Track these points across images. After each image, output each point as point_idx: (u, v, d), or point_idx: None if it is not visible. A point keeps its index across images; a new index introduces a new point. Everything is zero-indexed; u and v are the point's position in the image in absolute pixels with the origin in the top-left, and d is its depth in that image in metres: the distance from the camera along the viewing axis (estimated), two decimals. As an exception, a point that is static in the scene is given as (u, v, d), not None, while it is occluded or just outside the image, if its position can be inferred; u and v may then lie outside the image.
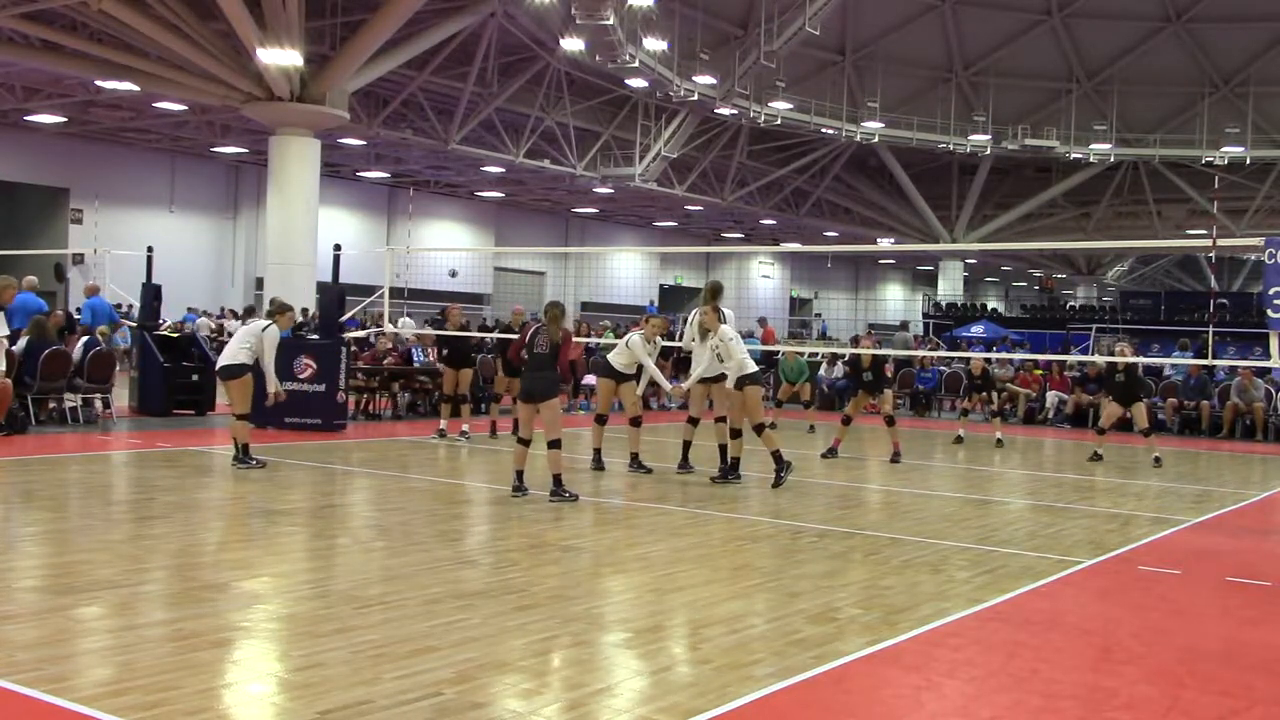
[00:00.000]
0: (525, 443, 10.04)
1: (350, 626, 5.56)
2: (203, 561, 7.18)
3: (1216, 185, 44.20)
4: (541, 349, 9.86)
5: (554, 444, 9.79)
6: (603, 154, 39.36)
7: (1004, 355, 22.31)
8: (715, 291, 11.81)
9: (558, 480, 9.77)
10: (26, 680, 4.57)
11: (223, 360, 11.39)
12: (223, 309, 35.24)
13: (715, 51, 36.69)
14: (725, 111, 37.70)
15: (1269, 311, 9.77)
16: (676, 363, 20.38)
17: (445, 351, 15.68)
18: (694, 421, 12.09)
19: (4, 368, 12.81)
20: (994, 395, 18.37)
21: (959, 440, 17.22)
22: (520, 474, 9.95)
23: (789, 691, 4.86)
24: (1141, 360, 16.86)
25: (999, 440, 16.92)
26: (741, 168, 44.33)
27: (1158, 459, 14.79)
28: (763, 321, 28.75)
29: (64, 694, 4.44)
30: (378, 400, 18.09)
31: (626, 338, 12.44)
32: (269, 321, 11.53)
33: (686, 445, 12.19)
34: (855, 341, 16.43)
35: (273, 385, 11.44)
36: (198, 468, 11.62)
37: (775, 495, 10.72)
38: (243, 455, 11.15)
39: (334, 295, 16.61)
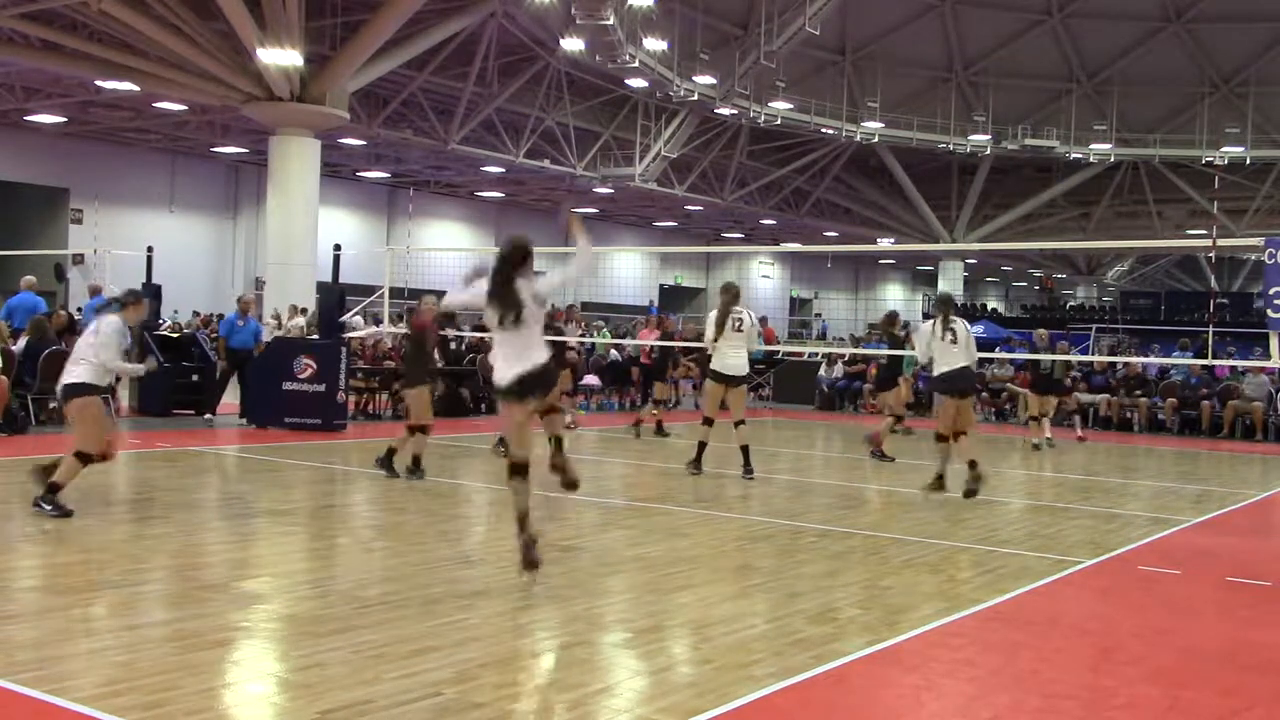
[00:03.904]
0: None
1: (350, 626, 5.56)
2: (203, 561, 7.17)
3: (1216, 185, 44.18)
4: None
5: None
6: (603, 154, 39.36)
7: (1005, 355, 22.28)
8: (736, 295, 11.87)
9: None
10: (26, 680, 4.57)
11: (65, 377, 8.49)
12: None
13: (715, 51, 36.69)
14: (725, 111, 37.70)
15: (1269, 311, 9.78)
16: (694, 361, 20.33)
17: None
18: (709, 422, 11.98)
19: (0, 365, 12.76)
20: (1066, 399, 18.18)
21: (1038, 447, 16.46)
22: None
23: (789, 691, 4.85)
24: (1068, 358, 17.32)
25: (1048, 441, 16.70)
26: (741, 168, 44.32)
27: (1036, 445, 15.71)
28: (764, 321, 28.73)
29: (64, 694, 4.44)
30: (378, 400, 18.09)
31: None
32: (106, 315, 8.61)
33: (702, 446, 12.00)
34: (893, 319, 16.28)
35: (130, 371, 9.30)
36: (198, 468, 11.61)
37: (775, 495, 10.72)
38: (49, 496, 8.19)
39: (334, 295, 16.62)
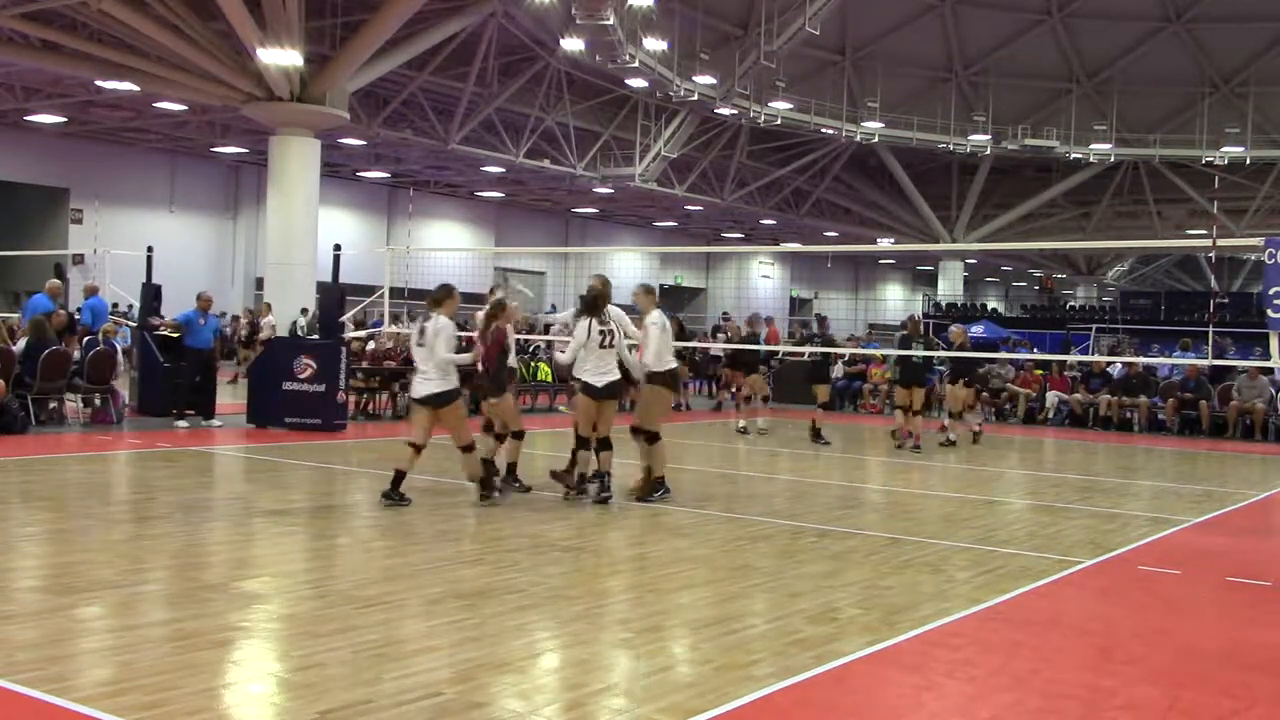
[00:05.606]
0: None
1: (350, 626, 5.56)
2: (203, 561, 7.17)
3: (1216, 185, 44.17)
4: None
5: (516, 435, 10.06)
6: (603, 154, 39.35)
7: (1005, 355, 22.31)
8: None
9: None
10: (26, 680, 4.57)
11: (429, 388, 9.28)
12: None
13: (715, 51, 36.69)
14: (725, 111, 37.70)
15: (1269, 311, 9.77)
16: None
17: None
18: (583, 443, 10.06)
19: None
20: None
21: (952, 443, 16.45)
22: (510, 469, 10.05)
23: (789, 691, 4.86)
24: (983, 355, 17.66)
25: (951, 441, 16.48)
26: (741, 168, 44.32)
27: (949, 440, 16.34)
28: (769, 321, 28.66)
29: (64, 694, 4.44)
30: (378, 400, 18.09)
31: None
32: (431, 315, 9.33)
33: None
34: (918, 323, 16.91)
35: (460, 360, 9.35)
36: (198, 468, 11.61)
37: (775, 495, 10.72)
38: (487, 488, 9.53)
39: (334, 295, 16.61)
